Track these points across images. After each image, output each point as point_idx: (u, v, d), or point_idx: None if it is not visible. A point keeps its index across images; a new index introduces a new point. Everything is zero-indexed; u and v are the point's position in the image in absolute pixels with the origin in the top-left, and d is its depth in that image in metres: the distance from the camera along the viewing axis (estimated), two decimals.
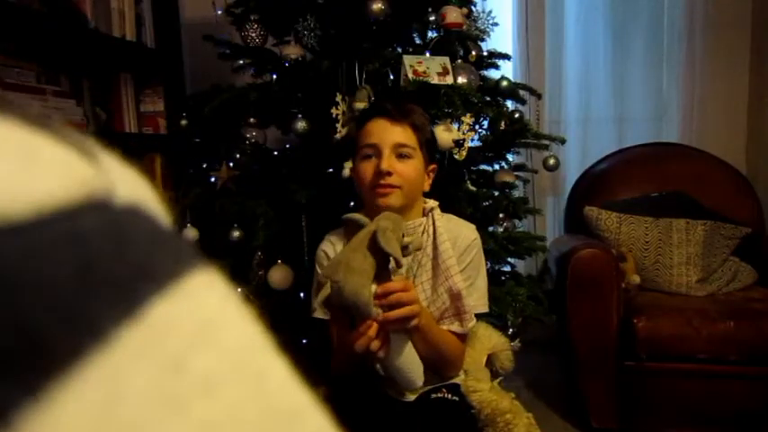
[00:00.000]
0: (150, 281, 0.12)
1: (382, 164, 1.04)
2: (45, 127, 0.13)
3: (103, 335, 0.11)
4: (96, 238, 0.12)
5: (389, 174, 1.04)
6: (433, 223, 1.10)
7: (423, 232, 1.10)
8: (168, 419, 0.11)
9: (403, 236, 0.95)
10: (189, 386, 0.12)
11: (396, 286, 0.92)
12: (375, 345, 0.89)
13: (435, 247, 1.08)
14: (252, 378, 0.13)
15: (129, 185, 0.14)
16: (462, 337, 1.11)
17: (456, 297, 1.05)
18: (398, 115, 1.07)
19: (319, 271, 1.12)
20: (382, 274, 0.92)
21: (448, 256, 1.06)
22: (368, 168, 1.07)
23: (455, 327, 1.07)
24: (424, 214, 1.12)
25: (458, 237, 1.11)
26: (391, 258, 0.91)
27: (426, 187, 1.14)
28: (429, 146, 1.13)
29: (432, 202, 1.14)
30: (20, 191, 0.11)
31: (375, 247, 0.89)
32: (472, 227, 1.15)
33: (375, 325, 0.89)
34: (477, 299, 1.11)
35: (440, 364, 1.08)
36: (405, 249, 0.94)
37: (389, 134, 1.06)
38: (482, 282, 1.14)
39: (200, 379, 0.12)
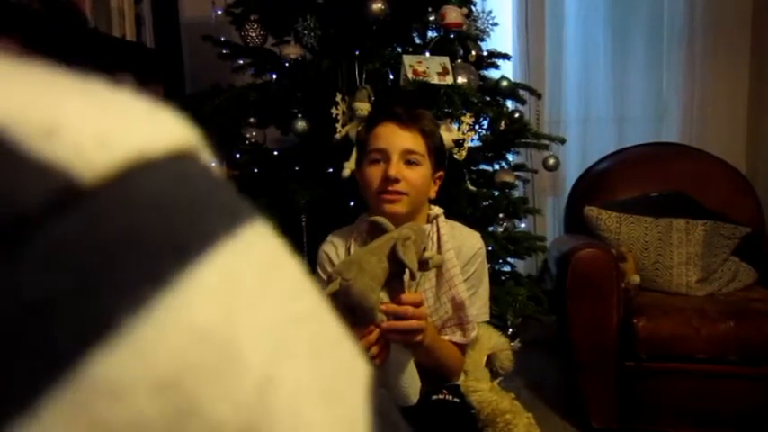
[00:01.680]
0: (236, 216, 0.16)
1: (390, 170, 1.02)
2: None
3: (217, 240, 0.14)
4: (199, 178, 0.15)
5: (397, 181, 1.02)
6: (438, 231, 1.09)
7: (426, 239, 1.09)
8: (279, 304, 0.15)
9: (424, 250, 0.94)
10: (290, 280, 0.16)
11: (410, 299, 0.91)
12: (374, 350, 0.88)
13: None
14: (316, 301, 0.17)
15: (206, 153, 0.18)
16: (463, 347, 1.11)
17: (459, 307, 1.05)
18: (408, 120, 1.06)
19: (320, 272, 1.12)
20: (394, 282, 0.91)
21: (452, 266, 1.05)
22: (375, 173, 1.05)
23: (457, 337, 1.07)
24: (429, 221, 1.11)
25: (462, 246, 1.10)
26: (406, 270, 0.90)
27: (432, 194, 1.12)
28: (437, 153, 1.11)
29: (437, 210, 1.12)
30: (154, 136, 0.15)
31: (393, 256, 0.89)
32: (477, 235, 1.14)
33: (377, 331, 0.88)
34: (480, 307, 1.11)
35: (439, 373, 1.08)
36: (424, 264, 0.93)
37: (398, 139, 1.05)
38: (484, 290, 1.13)
39: (293, 280, 0.17)
